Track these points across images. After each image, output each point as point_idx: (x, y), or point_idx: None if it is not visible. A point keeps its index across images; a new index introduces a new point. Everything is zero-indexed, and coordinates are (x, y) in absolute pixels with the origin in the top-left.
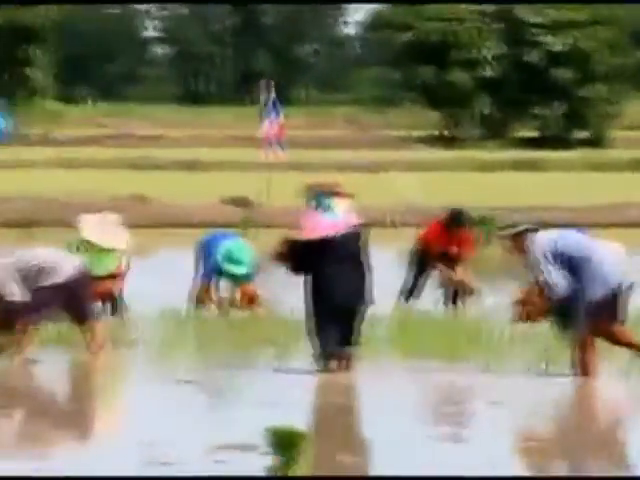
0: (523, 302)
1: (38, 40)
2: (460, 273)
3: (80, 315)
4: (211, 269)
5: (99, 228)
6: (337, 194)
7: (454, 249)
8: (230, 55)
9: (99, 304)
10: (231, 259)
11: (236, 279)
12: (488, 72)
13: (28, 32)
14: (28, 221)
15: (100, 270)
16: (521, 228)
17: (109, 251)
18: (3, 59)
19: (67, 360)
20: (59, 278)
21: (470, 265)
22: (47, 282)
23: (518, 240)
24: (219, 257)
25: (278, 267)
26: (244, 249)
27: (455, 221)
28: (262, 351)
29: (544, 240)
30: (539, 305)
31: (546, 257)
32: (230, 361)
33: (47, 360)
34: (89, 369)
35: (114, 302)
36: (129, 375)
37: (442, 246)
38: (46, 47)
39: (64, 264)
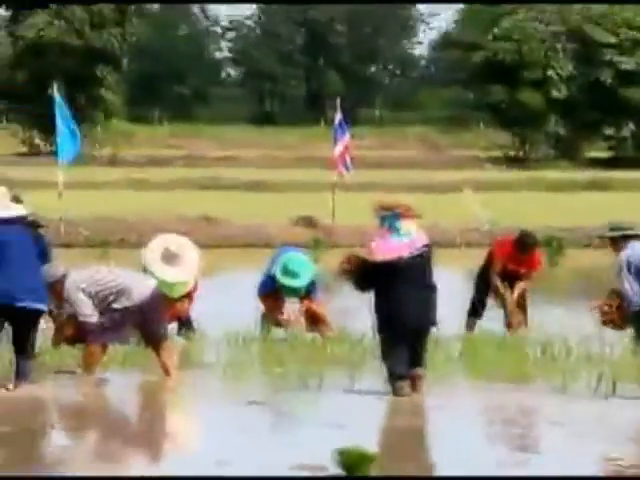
0: (604, 310)
1: (111, 61)
2: (517, 293)
3: (152, 336)
4: (269, 282)
5: (165, 260)
6: (406, 215)
7: (522, 270)
8: (301, 75)
9: (171, 325)
10: (287, 272)
11: (292, 292)
12: (559, 92)
13: (101, 53)
14: (101, 242)
15: (173, 293)
16: (621, 233)
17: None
18: (78, 80)
19: (137, 381)
20: (132, 299)
21: (530, 286)
22: (120, 303)
23: (616, 244)
24: (277, 270)
25: (345, 285)
26: (302, 262)
27: (525, 244)
28: (331, 372)
29: (634, 249)
30: (618, 314)
31: (628, 266)
32: (299, 382)
33: (117, 381)
34: (159, 390)
35: (185, 323)
36: (199, 396)
37: (510, 267)
38: (118, 68)
39: (137, 285)
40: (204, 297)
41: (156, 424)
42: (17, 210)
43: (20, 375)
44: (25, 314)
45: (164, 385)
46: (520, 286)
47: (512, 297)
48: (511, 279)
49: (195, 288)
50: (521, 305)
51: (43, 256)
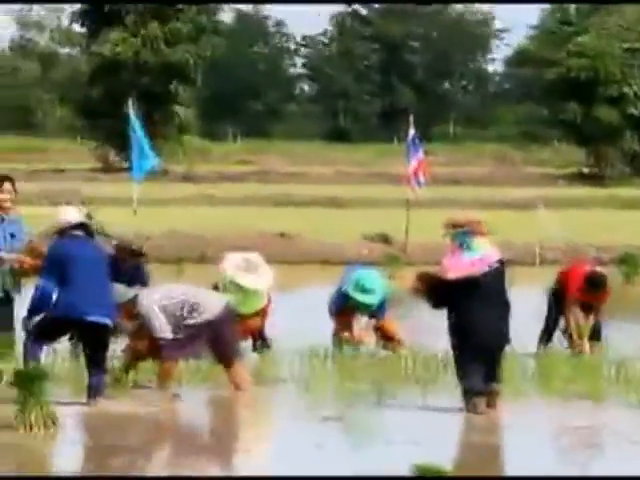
0: None
1: (185, 78)
2: (590, 321)
3: (225, 353)
4: (342, 299)
5: (243, 268)
6: (478, 232)
7: (590, 302)
8: (374, 92)
9: (245, 341)
10: (360, 287)
11: (365, 308)
12: (636, 109)
13: (176, 70)
14: (175, 258)
15: (247, 309)
16: None
17: (255, 290)
18: (152, 96)
19: (211, 397)
20: (205, 315)
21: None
22: (193, 319)
23: None
24: (349, 286)
25: (418, 302)
26: (375, 279)
27: (595, 284)
28: (405, 388)
29: None
30: None
31: None
32: (373, 398)
33: (192, 396)
34: (233, 406)
35: (259, 339)
36: (273, 412)
37: (579, 297)
38: (193, 85)
39: (211, 302)
40: (278, 313)
41: (229, 440)
42: (85, 227)
43: (93, 391)
44: (94, 329)
45: (238, 401)
46: (591, 319)
47: (586, 324)
48: (583, 306)
49: (269, 304)
50: (592, 336)
51: (138, 282)
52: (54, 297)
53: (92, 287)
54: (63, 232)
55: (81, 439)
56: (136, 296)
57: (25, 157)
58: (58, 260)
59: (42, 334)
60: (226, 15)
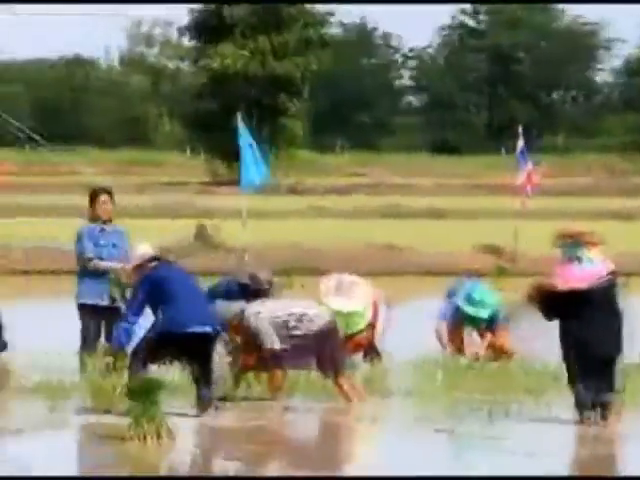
0: None
1: (294, 90)
2: None
3: (332, 364)
4: (452, 311)
5: (335, 291)
6: (589, 242)
7: None
8: (482, 103)
9: (355, 355)
10: (472, 302)
11: (477, 322)
12: None
13: (285, 83)
14: (284, 270)
15: (348, 329)
16: None
17: (350, 312)
18: (261, 109)
19: (322, 408)
20: (310, 326)
21: None
22: (299, 330)
23: None
24: (460, 300)
25: (531, 314)
26: (486, 293)
27: None
28: (517, 400)
29: None
30: None
31: None
32: (485, 410)
33: (302, 408)
34: (344, 417)
35: (371, 351)
36: (384, 423)
37: None
38: (301, 97)
39: (317, 313)
40: (389, 324)
41: (339, 452)
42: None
43: (202, 403)
44: (196, 340)
45: (349, 413)
46: None
47: None
48: None
49: (375, 317)
50: None
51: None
52: (137, 331)
53: (188, 301)
54: (142, 266)
55: (192, 451)
56: (242, 310)
57: (138, 170)
58: (148, 288)
59: (147, 355)
60: (333, 28)
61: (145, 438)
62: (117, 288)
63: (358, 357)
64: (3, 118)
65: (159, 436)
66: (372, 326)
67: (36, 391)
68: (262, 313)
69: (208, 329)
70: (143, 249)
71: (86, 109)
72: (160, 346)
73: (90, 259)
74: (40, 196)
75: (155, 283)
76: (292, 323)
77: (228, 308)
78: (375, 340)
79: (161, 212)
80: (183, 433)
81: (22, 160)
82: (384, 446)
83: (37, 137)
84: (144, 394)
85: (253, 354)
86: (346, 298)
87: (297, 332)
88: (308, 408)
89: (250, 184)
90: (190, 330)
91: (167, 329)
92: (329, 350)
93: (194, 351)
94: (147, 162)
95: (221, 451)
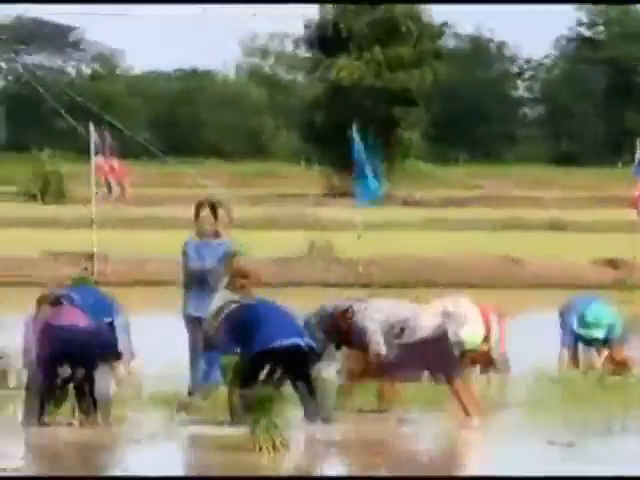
0: None
1: (409, 102)
2: None
3: (444, 373)
4: (568, 334)
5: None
6: None
7: None
8: (601, 115)
9: (473, 368)
10: (585, 323)
11: (593, 343)
12: None
13: (399, 94)
14: (399, 282)
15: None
16: None
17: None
18: (377, 121)
19: (438, 420)
20: (415, 335)
21: None
22: (404, 338)
23: None
24: (574, 322)
25: None
26: (601, 311)
27: None
28: (636, 415)
29: None
30: None
31: None
32: (602, 424)
33: (418, 420)
34: (460, 429)
35: (490, 363)
36: (499, 434)
37: None
38: (417, 109)
39: (426, 320)
40: (508, 336)
41: (453, 464)
42: None
43: (309, 416)
44: (289, 355)
45: (464, 424)
46: None
47: None
48: None
49: (489, 330)
50: None
51: None
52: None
53: (275, 320)
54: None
55: (303, 464)
56: (350, 306)
57: (255, 181)
58: (234, 325)
59: (243, 379)
60: (449, 39)
61: (261, 449)
62: None
63: (475, 370)
64: (125, 132)
65: (274, 447)
66: (486, 339)
67: (154, 401)
68: (374, 313)
69: (299, 341)
70: None
71: (203, 121)
72: (254, 369)
73: (193, 272)
74: (167, 208)
75: (237, 323)
76: (396, 330)
77: (332, 305)
78: (492, 353)
79: (274, 224)
80: (297, 444)
81: (142, 173)
82: (498, 456)
83: (157, 151)
84: (262, 404)
85: (361, 364)
86: (463, 322)
87: (400, 341)
88: (422, 419)
89: (365, 196)
90: (278, 344)
91: (258, 349)
92: (439, 358)
93: (289, 367)
94: (264, 174)
95: (334, 463)
